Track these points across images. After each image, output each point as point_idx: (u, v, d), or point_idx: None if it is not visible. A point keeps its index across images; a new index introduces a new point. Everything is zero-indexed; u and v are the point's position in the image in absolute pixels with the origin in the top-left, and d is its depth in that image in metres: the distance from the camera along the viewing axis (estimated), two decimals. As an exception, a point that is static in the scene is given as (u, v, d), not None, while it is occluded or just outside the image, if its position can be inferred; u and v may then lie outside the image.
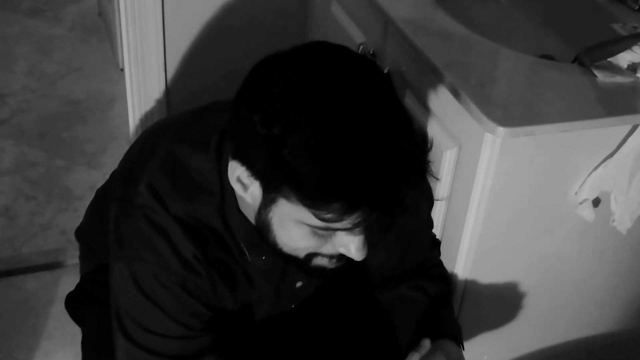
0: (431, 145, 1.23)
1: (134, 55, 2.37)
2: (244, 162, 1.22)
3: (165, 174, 1.38)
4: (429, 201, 1.65)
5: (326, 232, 1.22)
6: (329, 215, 1.15)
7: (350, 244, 1.25)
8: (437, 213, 1.77)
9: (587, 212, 1.70)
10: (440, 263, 1.72)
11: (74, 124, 3.21)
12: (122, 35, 2.35)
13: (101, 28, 3.81)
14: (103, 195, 1.73)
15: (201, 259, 1.36)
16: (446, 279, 1.71)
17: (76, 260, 1.90)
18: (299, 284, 1.53)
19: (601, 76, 1.67)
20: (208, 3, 2.43)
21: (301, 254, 1.30)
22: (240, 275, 1.44)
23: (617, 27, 1.92)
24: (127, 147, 2.69)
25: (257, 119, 1.15)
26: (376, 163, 1.14)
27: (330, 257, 1.30)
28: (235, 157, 1.24)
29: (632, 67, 1.70)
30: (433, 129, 1.74)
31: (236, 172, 1.24)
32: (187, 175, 1.37)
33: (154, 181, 1.37)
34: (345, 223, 1.17)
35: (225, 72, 2.53)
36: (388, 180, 1.15)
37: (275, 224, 1.25)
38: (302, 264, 1.32)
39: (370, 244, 1.27)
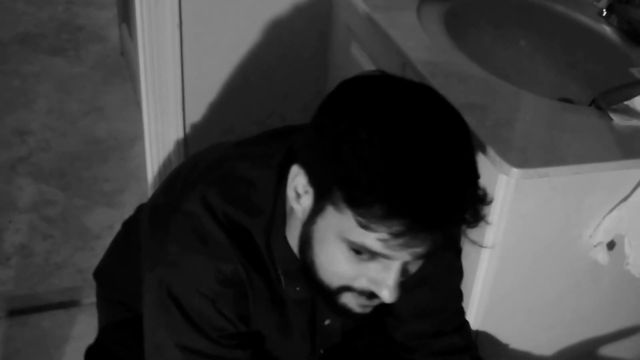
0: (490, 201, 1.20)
1: (152, 95, 2.39)
2: (304, 164, 1.22)
3: (219, 186, 1.36)
4: (457, 249, 1.64)
5: (363, 258, 1.20)
6: (369, 216, 1.12)
7: (383, 281, 1.22)
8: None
9: (602, 255, 1.69)
10: (467, 323, 1.70)
11: (93, 163, 3.22)
12: (141, 74, 2.37)
13: (123, 68, 3.84)
14: (132, 227, 1.71)
15: (244, 267, 1.34)
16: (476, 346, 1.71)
17: (92, 299, 1.87)
18: (327, 322, 1.52)
19: (617, 119, 1.67)
20: (227, 44, 2.44)
21: (334, 282, 1.26)
22: (274, 298, 1.42)
23: (635, 71, 1.92)
24: (146, 187, 2.71)
25: (327, 122, 1.18)
26: (432, 176, 1.12)
27: (361, 293, 1.26)
28: (298, 162, 1.23)
29: (649, 111, 1.70)
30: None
31: (296, 178, 1.23)
32: (241, 189, 1.36)
33: (207, 193, 1.35)
34: (384, 230, 1.13)
35: (243, 114, 2.55)
36: (438, 193, 1.13)
37: (316, 240, 1.23)
38: (331, 299, 1.29)
39: (403, 288, 1.25)
